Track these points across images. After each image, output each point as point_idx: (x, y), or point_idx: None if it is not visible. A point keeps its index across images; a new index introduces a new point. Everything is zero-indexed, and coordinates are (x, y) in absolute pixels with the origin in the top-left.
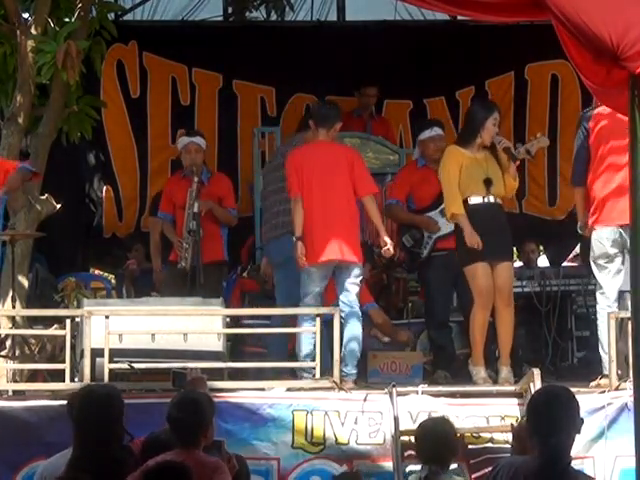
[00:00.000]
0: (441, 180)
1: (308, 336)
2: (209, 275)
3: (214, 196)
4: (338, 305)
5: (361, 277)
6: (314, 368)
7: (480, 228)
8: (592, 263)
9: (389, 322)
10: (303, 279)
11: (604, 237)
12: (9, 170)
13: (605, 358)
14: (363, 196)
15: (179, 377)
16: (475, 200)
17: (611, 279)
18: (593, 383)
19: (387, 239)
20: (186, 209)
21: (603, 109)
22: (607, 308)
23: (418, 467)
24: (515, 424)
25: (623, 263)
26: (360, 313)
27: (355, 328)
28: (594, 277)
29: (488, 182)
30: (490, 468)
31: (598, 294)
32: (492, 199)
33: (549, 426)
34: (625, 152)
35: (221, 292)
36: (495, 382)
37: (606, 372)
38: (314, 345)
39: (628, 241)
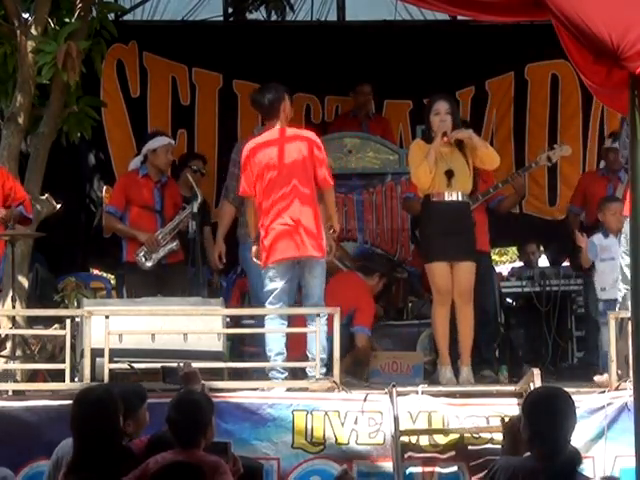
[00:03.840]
0: (410, 166)
1: (277, 335)
2: (176, 274)
3: (171, 200)
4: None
5: (323, 276)
6: (285, 369)
7: (442, 227)
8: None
9: (369, 351)
10: (264, 279)
11: None
12: (17, 196)
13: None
14: (322, 189)
15: (169, 372)
16: (438, 197)
17: None
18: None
19: (335, 223)
20: (174, 222)
21: None
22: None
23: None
24: (506, 421)
25: None
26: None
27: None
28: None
29: (449, 174)
30: None
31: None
32: (456, 196)
33: (546, 427)
34: None
35: (187, 290)
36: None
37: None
38: (285, 344)
39: None
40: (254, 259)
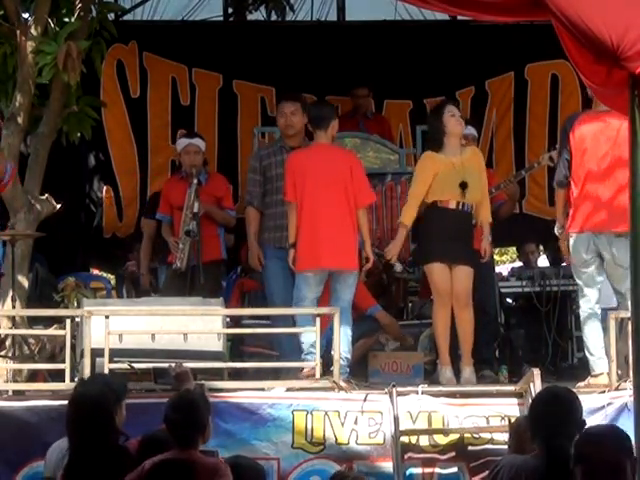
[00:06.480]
0: (415, 176)
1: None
2: (208, 274)
3: (212, 196)
4: None
5: (355, 285)
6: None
7: (443, 231)
8: (572, 268)
9: (396, 322)
10: (298, 283)
11: (579, 243)
12: None
13: (592, 359)
14: (358, 208)
15: (161, 373)
16: (447, 205)
17: (590, 283)
18: (581, 384)
19: (370, 254)
20: (184, 209)
21: (587, 115)
22: (589, 310)
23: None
24: (512, 421)
25: (601, 268)
26: (350, 319)
27: (344, 332)
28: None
29: (464, 185)
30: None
31: (580, 298)
32: (466, 207)
33: (551, 427)
34: (604, 161)
35: (221, 291)
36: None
37: (594, 372)
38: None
39: (601, 247)
40: (291, 264)
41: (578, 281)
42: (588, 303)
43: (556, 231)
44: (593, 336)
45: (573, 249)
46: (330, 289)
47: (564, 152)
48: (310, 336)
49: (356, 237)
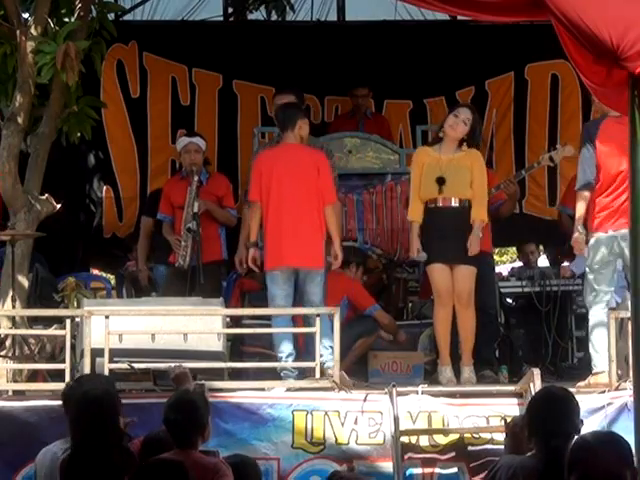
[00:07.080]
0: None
1: (286, 336)
2: (208, 275)
3: (213, 196)
4: None
5: (323, 283)
6: (296, 369)
7: (440, 231)
8: (588, 269)
9: (394, 321)
10: (267, 282)
11: (603, 244)
12: None
13: (595, 356)
14: (325, 205)
15: (160, 375)
16: (432, 204)
17: (606, 285)
18: (581, 383)
19: (338, 251)
20: (185, 207)
21: (610, 119)
22: (601, 311)
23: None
24: (508, 421)
25: (615, 270)
26: (327, 318)
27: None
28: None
29: (440, 181)
30: None
31: (592, 301)
32: (450, 202)
33: (549, 427)
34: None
35: (221, 291)
36: (460, 382)
37: (595, 370)
38: (294, 345)
39: (625, 249)
40: (250, 263)
41: (593, 284)
42: (600, 304)
43: (578, 237)
44: (600, 336)
45: (594, 250)
46: (300, 292)
47: (592, 158)
48: (287, 347)
49: (322, 236)
